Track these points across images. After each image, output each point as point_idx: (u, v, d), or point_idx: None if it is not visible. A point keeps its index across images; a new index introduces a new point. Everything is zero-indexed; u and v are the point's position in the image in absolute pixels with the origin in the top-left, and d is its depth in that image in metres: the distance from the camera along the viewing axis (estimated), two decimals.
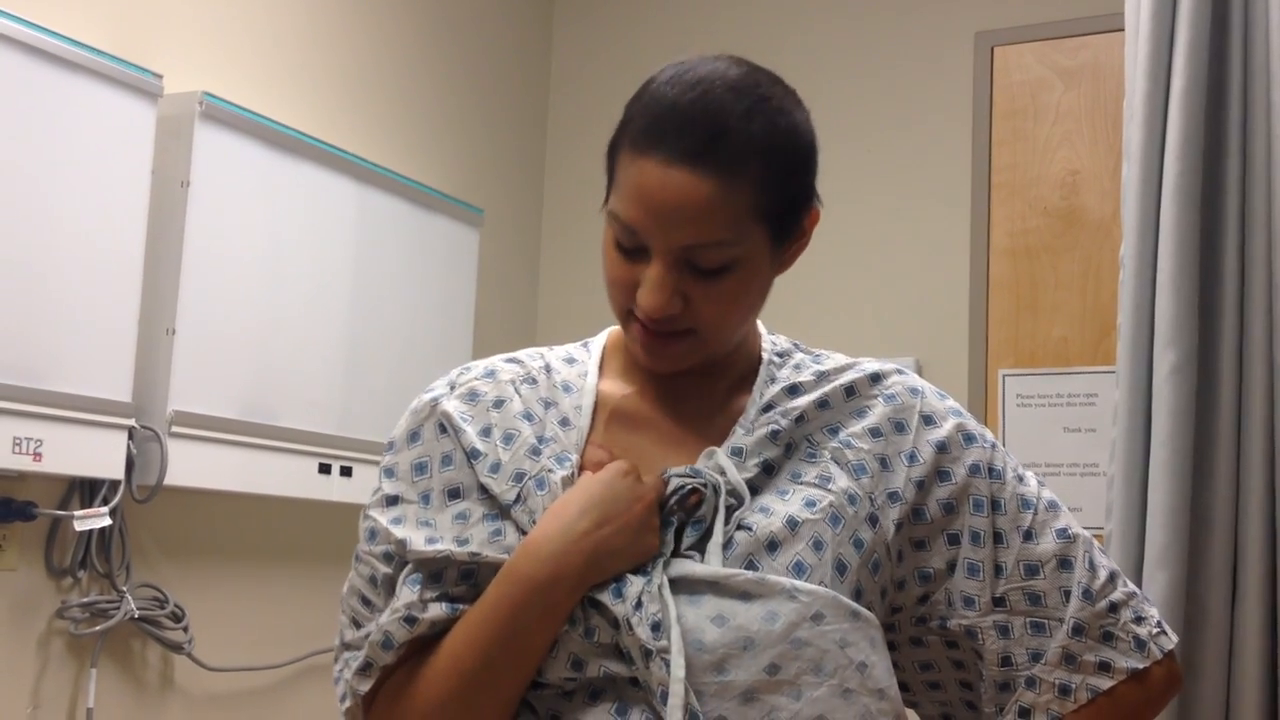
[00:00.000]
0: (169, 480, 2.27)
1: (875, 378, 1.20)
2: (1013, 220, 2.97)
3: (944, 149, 3.05)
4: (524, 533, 1.09)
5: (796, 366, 1.21)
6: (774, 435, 1.14)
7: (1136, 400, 1.93)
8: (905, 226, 3.08)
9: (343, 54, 2.90)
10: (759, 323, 1.25)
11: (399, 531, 1.12)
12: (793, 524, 1.08)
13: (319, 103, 2.81)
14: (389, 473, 1.17)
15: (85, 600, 2.26)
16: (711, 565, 1.06)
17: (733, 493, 1.10)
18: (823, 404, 1.17)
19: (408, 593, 1.09)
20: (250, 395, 2.44)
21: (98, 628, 2.26)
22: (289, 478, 2.50)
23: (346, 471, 2.61)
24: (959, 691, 1.19)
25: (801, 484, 1.12)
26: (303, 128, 2.62)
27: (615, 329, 1.24)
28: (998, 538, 1.15)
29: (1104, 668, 1.14)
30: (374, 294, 2.72)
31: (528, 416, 1.16)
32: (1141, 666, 1.14)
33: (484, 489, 1.12)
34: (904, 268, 3.07)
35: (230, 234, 2.40)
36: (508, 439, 1.14)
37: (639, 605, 1.03)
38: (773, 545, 1.07)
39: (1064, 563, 1.15)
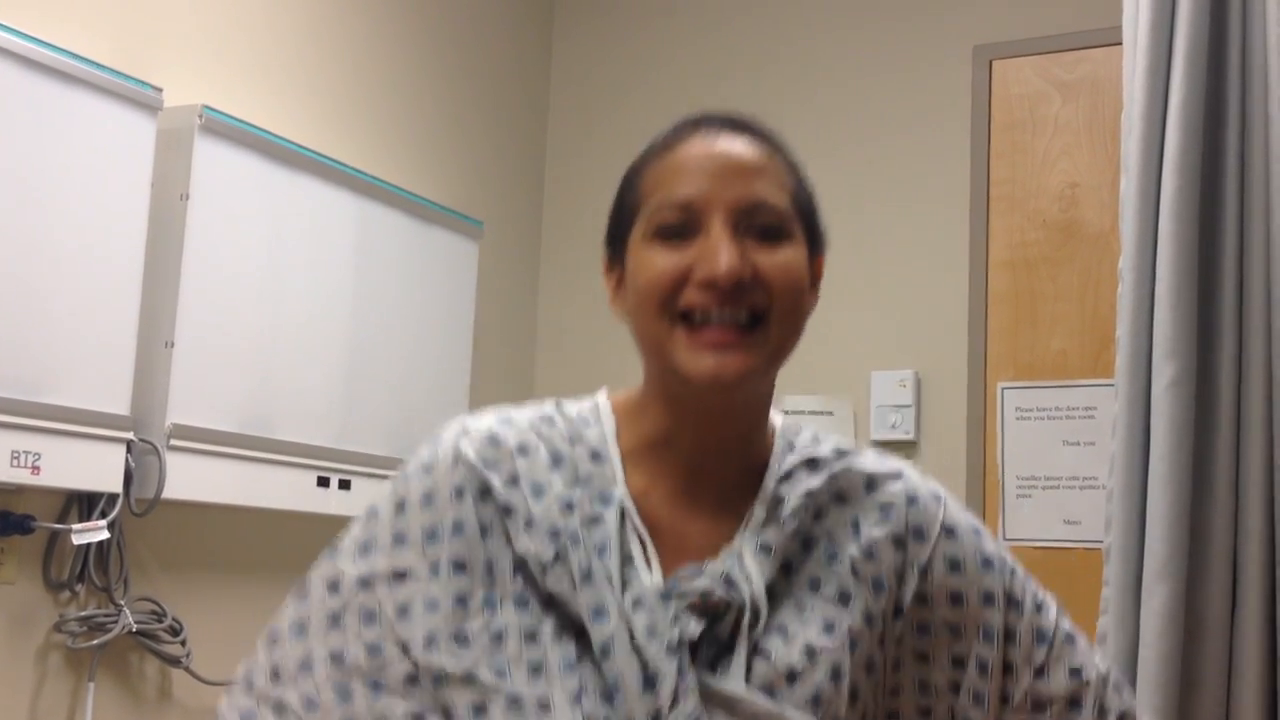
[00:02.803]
0: (167, 493, 2.27)
1: (899, 475, 1.14)
2: (1011, 233, 2.97)
3: (943, 161, 3.06)
4: (559, 599, 1.01)
5: (813, 439, 1.14)
6: (796, 533, 1.07)
7: (1135, 413, 1.93)
8: (904, 239, 3.08)
9: (342, 67, 2.90)
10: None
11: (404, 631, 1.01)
12: (811, 653, 1.03)
13: (319, 116, 2.81)
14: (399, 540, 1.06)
15: (83, 614, 2.25)
16: (739, 687, 1.00)
17: (754, 607, 1.03)
18: (839, 497, 1.10)
19: None
20: (249, 408, 2.44)
21: (95, 641, 2.25)
22: (287, 491, 2.50)
23: (345, 485, 2.60)
24: None
25: (819, 597, 1.06)
26: (302, 141, 2.62)
27: (611, 399, 1.15)
28: (1007, 669, 1.11)
29: None
30: (373, 306, 2.72)
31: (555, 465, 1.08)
32: None
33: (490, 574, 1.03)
34: (903, 280, 3.07)
35: (230, 247, 2.40)
36: (538, 492, 1.06)
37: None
38: (791, 676, 1.02)
39: (1073, 702, 1.12)
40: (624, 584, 1.02)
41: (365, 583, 1.04)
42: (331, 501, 2.58)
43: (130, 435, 2.22)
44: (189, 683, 2.42)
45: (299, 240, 2.56)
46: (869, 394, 3.03)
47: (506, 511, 1.04)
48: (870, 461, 1.14)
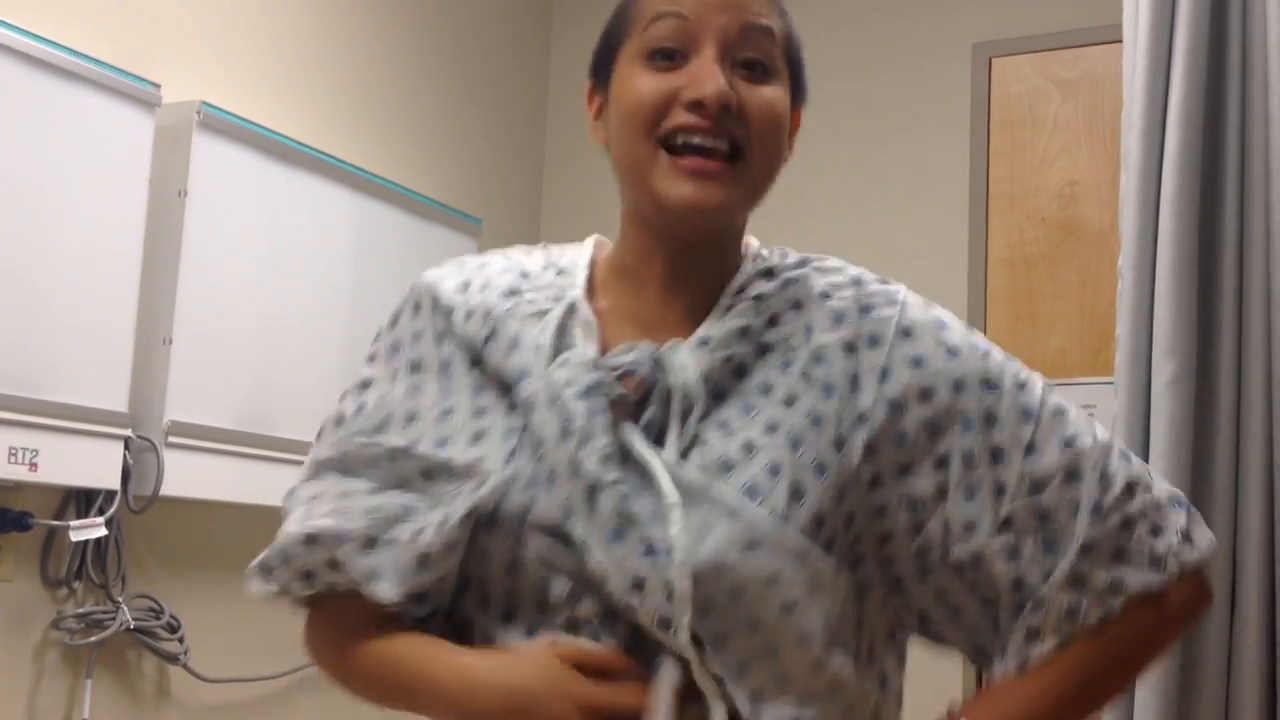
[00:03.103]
0: (165, 490, 2.27)
1: (856, 282, 1.13)
2: (1011, 230, 2.97)
3: (942, 159, 3.05)
4: (496, 374, 1.07)
5: (783, 254, 1.16)
6: (744, 331, 1.08)
7: (1135, 411, 1.93)
8: (903, 236, 3.08)
9: (341, 64, 2.90)
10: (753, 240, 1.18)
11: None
12: (749, 448, 1.03)
13: (317, 112, 2.81)
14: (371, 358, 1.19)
15: (81, 611, 2.25)
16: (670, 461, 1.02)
17: (686, 394, 1.04)
18: (796, 305, 1.10)
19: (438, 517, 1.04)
20: (247, 405, 2.43)
21: (93, 638, 2.25)
22: (286, 488, 2.49)
23: None
24: (981, 614, 1.10)
25: (769, 399, 1.06)
26: (301, 137, 2.62)
27: (595, 241, 1.20)
28: (995, 455, 1.06)
29: (1115, 588, 1.06)
30: (372, 304, 2.72)
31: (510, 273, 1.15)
32: (1156, 583, 1.06)
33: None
34: (902, 277, 3.04)
35: (228, 243, 2.40)
36: (484, 286, 1.13)
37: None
38: (726, 466, 1.02)
39: (1071, 475, 1.07)
40: (556, 357, 1.06)
41: (341, 398, 1.17)
42: None
43: (128, 432, 2.22)
44: (187, 680, 2.42)
45: (297, 237, 2.55)
46: None
47: (449, 311, 1.11)
48: (830, 269, 1.14)
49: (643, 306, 1.12)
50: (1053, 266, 2.92)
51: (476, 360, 1.09)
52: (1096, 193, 2.89)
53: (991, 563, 1.06)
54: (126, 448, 2.23)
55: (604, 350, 1.08)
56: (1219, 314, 1.92)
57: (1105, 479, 1.07)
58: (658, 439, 1.04)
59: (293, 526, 1.11)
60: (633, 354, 1.05)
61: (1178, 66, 1.94)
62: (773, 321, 1.09)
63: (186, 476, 2.30)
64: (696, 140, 1.04)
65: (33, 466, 2.06)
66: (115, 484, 2.21)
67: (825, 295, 1.11)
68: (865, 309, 1.11)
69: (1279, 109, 1.88)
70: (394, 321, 1.17)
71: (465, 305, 1.12)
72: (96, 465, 2.17)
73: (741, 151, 1.05)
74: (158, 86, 2.28)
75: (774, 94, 1.07)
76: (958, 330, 1.13)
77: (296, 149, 2.55)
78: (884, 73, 3.15)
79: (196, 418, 2.33)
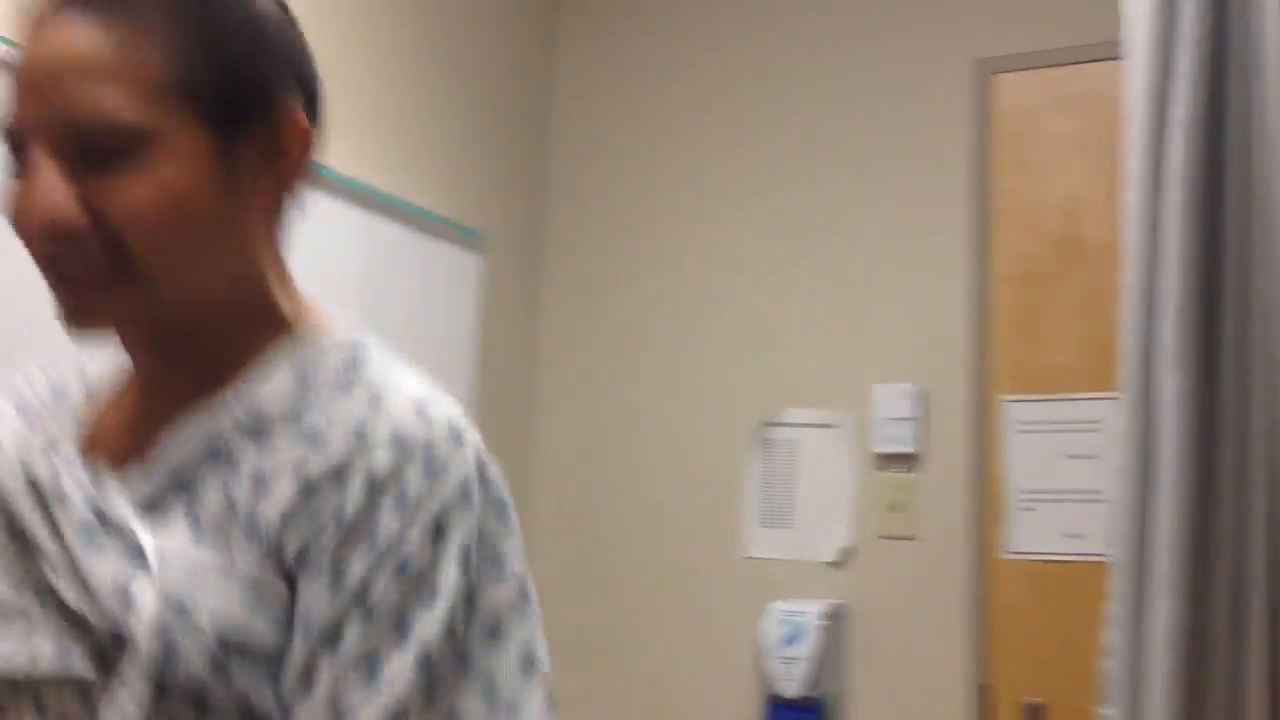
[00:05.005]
0: None
1: (355, 400, 0.91)
2: (1013, 246, 2.97)
3: (942, 176, 3.06)
4: None
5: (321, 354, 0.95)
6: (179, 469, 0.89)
7: (1140, 425, 1.93)
8: (905, 253, 3.09)
9: (344, 79, 2.90)
10: (352, 327, 1.00)
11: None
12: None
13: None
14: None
15: None
16: None
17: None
18: (258, 431, 0.90)
19: None
20: None
21: None
22: None
23: None
24: None
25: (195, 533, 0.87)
26: None
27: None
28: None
29: None
30: (376, 319, 2.71)
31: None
32: None
33: None
34: (904, 295, 3.07)
35: None
36: None
37: None
38: None
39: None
40: None
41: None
42: None
43: None
44: None
45: (302, 253, 2.55)
46: (871, 407, 3.03)
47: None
48: (333, 393, 0.94)
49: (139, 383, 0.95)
50: (1055, 282, 2.92)
51: None
52: (1097, 208, 2.90)
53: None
54: None
55: None
56: (1222, 329, 1.93)
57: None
58: None
59: None
60: None
61: (1179, 81, 1.95)
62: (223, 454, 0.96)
63: None
64: (61, 270, 0.85)
65: None
66: None
67: (294, 417, 0.96)
68: (313, 440, 0.94)
69: None
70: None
71: None
72: None
73: (124, 267, 0.84)
74: None
75: (145, 179, 0.82)
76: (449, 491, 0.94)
77: None
78: (884, 89, 3.16)
79: None
